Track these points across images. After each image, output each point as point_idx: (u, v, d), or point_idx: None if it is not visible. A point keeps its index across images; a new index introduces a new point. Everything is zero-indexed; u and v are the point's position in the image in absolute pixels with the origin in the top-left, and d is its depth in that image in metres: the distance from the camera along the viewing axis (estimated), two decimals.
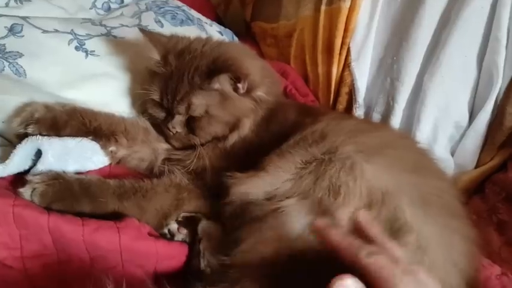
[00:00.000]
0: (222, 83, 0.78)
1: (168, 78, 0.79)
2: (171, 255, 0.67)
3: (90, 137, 0.76)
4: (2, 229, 0.58)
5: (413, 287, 0.41)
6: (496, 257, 0.77)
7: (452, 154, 0.96)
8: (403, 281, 0.41)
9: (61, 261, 0.62)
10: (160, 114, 0.82)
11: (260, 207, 0.65)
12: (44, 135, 0.70)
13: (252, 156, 0.74)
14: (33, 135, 0.70)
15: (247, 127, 0.81)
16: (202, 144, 0.80)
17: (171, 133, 0.81)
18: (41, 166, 0.67)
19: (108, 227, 0.63)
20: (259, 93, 0.82)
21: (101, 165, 0.78)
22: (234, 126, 0.80)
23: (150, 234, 0.68)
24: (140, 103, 0.86)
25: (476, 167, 0.95)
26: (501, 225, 0.82)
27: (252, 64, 0.85)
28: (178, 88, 0.78)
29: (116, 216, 0.67)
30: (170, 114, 0.80)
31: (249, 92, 0.81)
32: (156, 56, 0.82)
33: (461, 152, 0.95)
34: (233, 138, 0.80)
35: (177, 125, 0.80)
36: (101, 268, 0.61)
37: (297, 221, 0.61)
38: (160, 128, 0.83)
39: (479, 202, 0.90)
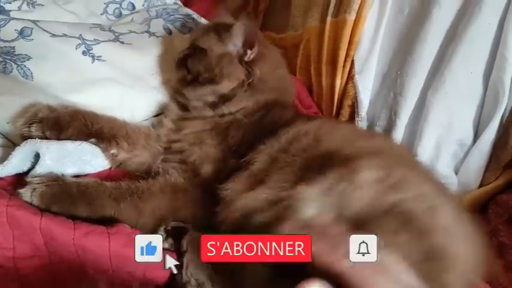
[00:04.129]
0: (236, 35, 0.82)
1: None
2: (158, 265, 0.67)
3: (92, 139, 0.77)
4: None
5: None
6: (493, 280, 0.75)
7: (456, 172, 0.95)
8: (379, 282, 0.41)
9: (53, 263, 0.62)
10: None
11: (265, 214, 0.63)
12: (44, 138, 0.72)
13: (242, 148, 0.75)
14: (36, 136, 0.71)
15: (225, 88, 0.82)
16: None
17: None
18: (39, 169, 0.68)
19: (99, 232, 0.63)
20: (259, 72, 0.83)
21: (100, 169, 0.78)
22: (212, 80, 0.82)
23: None
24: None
25: (481, 186, 0.93)
26: (501, 248, 0.80)
27: (273, 53, 0.90)
28: None
29: (112, 222, 0.67)
30: None
31: (250, 64, 0.83)
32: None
33: (465, 170, 0.93)
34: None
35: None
36: (92, 272, 0.61)
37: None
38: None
39: (481, 223, 0.88)
